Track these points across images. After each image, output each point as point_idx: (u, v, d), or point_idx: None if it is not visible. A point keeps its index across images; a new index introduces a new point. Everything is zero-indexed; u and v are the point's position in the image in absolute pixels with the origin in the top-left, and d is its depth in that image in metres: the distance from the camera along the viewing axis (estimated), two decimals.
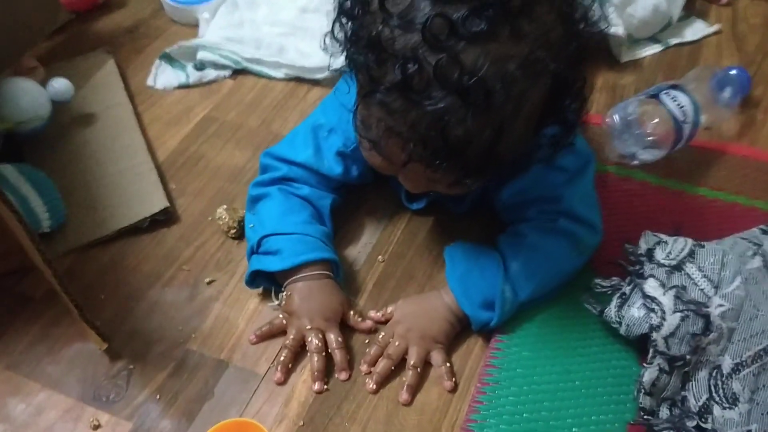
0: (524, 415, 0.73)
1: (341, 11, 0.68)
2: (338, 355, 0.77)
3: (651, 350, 0.71)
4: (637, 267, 0.76)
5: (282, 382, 0.77)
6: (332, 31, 0.69)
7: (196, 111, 1.09)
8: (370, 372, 0.77)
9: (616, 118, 0.92)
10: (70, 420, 0.75)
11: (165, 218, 0.92)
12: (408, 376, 0.76)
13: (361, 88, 0.68)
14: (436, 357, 0.77)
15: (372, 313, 0.82)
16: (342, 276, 0.84)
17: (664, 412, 0.72)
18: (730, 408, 0.69)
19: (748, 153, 1.00)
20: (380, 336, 0.79)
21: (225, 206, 0.91)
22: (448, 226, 0.91)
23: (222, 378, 0.78)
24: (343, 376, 0.77)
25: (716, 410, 0.69)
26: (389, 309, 0.81)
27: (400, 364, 0.77)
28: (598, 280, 0.78)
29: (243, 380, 0.78)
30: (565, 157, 0.78)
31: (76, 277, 0.86)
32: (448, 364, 0.77)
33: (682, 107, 0.91)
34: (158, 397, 0.76)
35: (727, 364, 0.70)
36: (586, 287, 0.81)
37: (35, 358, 0.80)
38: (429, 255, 0.88)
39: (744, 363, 0.69)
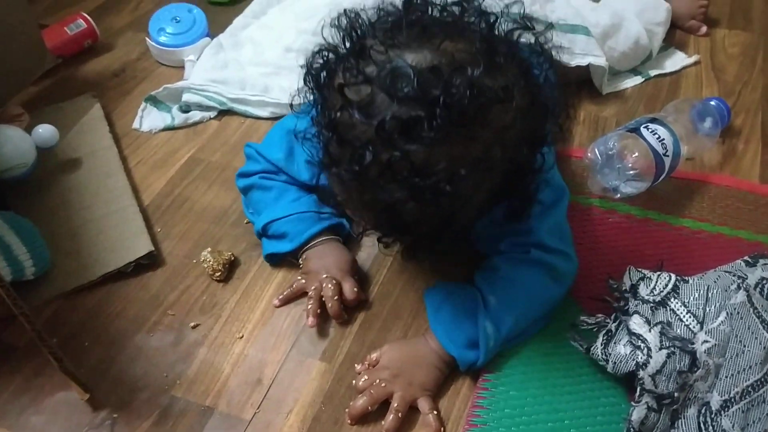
0: None
1: (309, 73, 0.70)
2: (353, 296, 0.84)
3: (638, 388, 0.71)
4: (622, 303, 0.76)
5: (314, 325, 0.83)
6: (303, 86, 0.73)
7: (182, 153, 1.09)
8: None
9: (597, 152, 0.92)
10: None
11: (150, 262, 0.92)
12: (388, 420, 0.75)
13: (322, 156, 0.70)
14: (423, 404, 0.77)
15: (358, 366, 0.81)
16: (349, 228, 0.91)
17: None
18: None
19: (731, 183, 1.01)
20: (362, 380, 0.78)
21: (209, 249, 0.91)
22: (413, 278, 0.91)
23: (207, 425, 0.77)
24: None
25: None
26: (374, 355, 0.81)
27: (383, 408, 0.76)
28: (583, 318, 0.78)
29: (229, 426, 0.77)
30: (542, 191, 0.80)
31: (60, 323, 0.86)
32: (435, 412, 0.76)
33: (662, 140, 0.91)
34: None
35: (715, 400, 0.69)
36: (572, 323, 0.81)
37: (19, 409, 0.79)
38: (415, 293, 0.88)
39: (732, 399, 0.69)
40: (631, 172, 0.90)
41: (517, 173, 0.70)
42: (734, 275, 0.77)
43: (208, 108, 1.15)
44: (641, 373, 0.70)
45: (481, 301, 0.79)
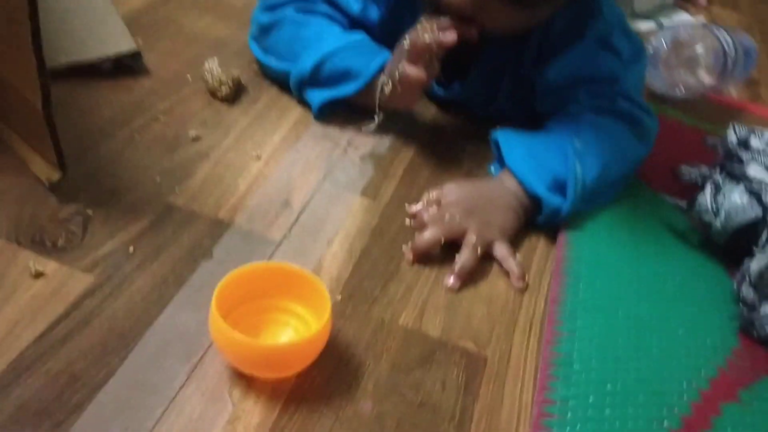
0: (618, 311, 0.58)
1: None
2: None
3: (764, 233, 0.60)
4: (732, 157, 0.66)
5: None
6: None
7: None
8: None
9: (663, 40, 0.84)
10: None
11: (133, 65, 0.71)
12: (464, 257, 0.59)
13: None
14: (502, 248, 0.61)
15: (412, 207, 0.64)
16: None
17: (764, 309, 0.60)
18: None
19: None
20: (426, 214, 0.62)
21: (215, 58, 0.72)
22: (474, 127, 0.77)
23: (222, 239, 0.57)
24: None
25: None
26: (434, 193, 0.64)
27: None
28: (684, 167, 0.67)
29: (251, 245, 0.57)
30: (619, 38, 0.72)
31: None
32: (517, 257, 0.61)
33: (727, 41, 0.85)
34: (131, 250, 0.53)
35: None
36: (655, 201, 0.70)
37: None
38: (462, 152, 0.74)
39: None
40: (703, 60, 0.82)
41: None
42: None
43: None
44: None
45: (567, 141, 0.66)
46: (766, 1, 1.46)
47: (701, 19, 1.24)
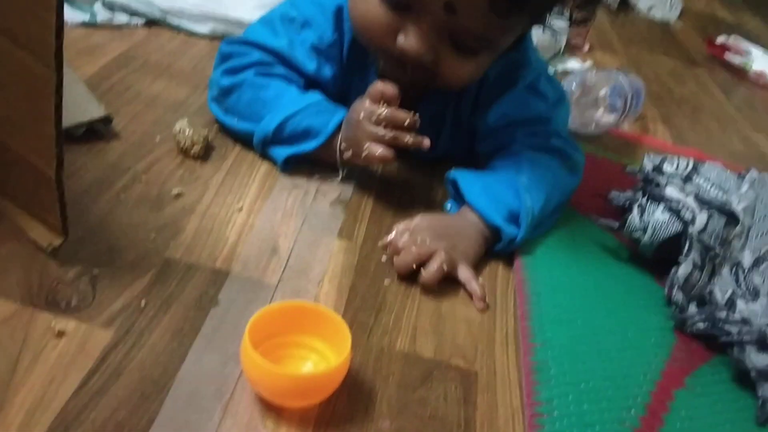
0: (578, 321, 0.67)
1: None
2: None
3: (687, 244, 0.71)
4: (651, 182, 0.77)
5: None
6: None
7: (109, 48, 0.92)
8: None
9: (574, 84, 0.96)
10: (19, 327, 0.52)
11: (103, 129, 0.74)
12: (431, 270, 0.66)
13: None
14: (465, 272, 0.69)
15: (388, 237, 0.70)
16: None
17: (692, 309, 0.71)
18: (752, 301, 0.70)
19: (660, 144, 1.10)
20: (401, 240, 0.68)
21: (186, 119, 0.76)
22: (422, 168, 0.85)
23: (225, 286, 0.61)
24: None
25: (740, 303, 0.70)
26: (403, 225, 0.70)
27: None
28: (614, 193, 0.78)
29: (252, 290, 0.61)
30: (545, 84, 0.83)
31: None
32: (479, 279, 0.69)
33: (626, 83, 0.98)
34: (143, 303, 0.57)
35: (747, 259, 0.72)
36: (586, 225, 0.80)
37: None
38: (417, 192, 0.81)
39: (762, 257, 0.72)
40: (608, 102, 0.94)
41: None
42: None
43: (134, 14, 1.00)
44: (690, 228, 0.71)
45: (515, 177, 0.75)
46: (636, 44, 1.66)
47: (588, 63, 1.39)
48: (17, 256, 0.58)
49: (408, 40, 0.71)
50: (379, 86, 0.71)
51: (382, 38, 0.73)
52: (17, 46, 0.50)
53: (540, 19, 0.77)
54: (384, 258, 0.70)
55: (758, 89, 1.60)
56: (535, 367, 0.60)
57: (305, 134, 0.76)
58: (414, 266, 0.67)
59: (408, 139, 0.71)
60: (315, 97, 0.78)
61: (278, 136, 0.76)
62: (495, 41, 0.73)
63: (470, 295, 0.68)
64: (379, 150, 0.70)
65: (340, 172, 0.78)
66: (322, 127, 0.75)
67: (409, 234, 0.69)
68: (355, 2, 0.75)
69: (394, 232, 0.70)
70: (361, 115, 0.72)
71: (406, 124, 0.71)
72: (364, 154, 0.71)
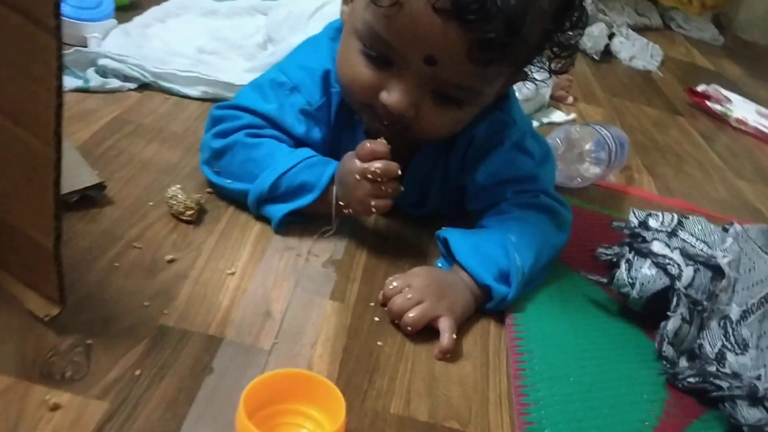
0: (570, 378, 0.68)
1: None
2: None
3: (675, 299, 0.72)
4: (637, 237, 0.78)
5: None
6: None
7: (102, 113, 0.94)
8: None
9: (559, 140, 0.98)
10: (14, 401, 0.52)
11: (96, 196, 0.75)
12: (411, 313, 0.69)
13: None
14: (445, 323, 0.69)
15: (381, 293, 0.72)
16: None
17: (683, 363, 0.72)
18: (742, 353, 0.71)
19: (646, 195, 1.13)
20: (392, 285, 0.71)
21: (179, 185, 0.77)
22: (411, 227, 0.87)
23: (219, 352, 0.61)
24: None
25: (730, 357, 0.71)
26: (399, 280, 0.72)
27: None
28: (600, 249, 0.79)
29: (246, 355, 0.62)
30: (531, 142, 0.85)
31: None
32: (454, 336, 0.69)
33: (607, 135, 1.00)
34: (137, 373, 0.57)
35: (735, 312, 0.73)
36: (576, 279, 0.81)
37: None
38: (412, 248, 0.82)
39: (750, 310, 0.73)
40: (593, 155, 0.96)
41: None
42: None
43: (126, 78, 1.02)
44: (677, 284, 0.72)
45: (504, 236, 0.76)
46: (618, 95, 1.70)
47: (572, 115, 1.42)
48: (12, 326, 0.58)
49: (391, 96, 0.73)
50: (369, 146, 0.73)
51: (367, 96, 0.75)
52: (16, 124, 0.51)
53: (520, 71, 0.79)
54: (376, 318, 0.70)
55: (740, 136, 1.64)
56: (529, 428, 0.61)
57: (300, 189, 0.78)
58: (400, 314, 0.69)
59: (401, 188, 0.75)
60: (306, 152, 0.80)
61: (274, 194, 0.78)
62: (476, 91, 0.75)
63: (471, 356, 0.69)
64: (382, 203, 0.74)
65: (334, 225, 0.79)
66: (317, 180, 0.77)
67: (401, 281, 0.71)
68: (342, 64, 0.78)
69: (390, 287, 0.71)
70: (356, 176, 0.73)
71: (399, 172, 0.73)
72: (374, 211, 0.75)
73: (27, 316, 0.59)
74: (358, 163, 0.74)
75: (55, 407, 0.52)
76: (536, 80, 0.83)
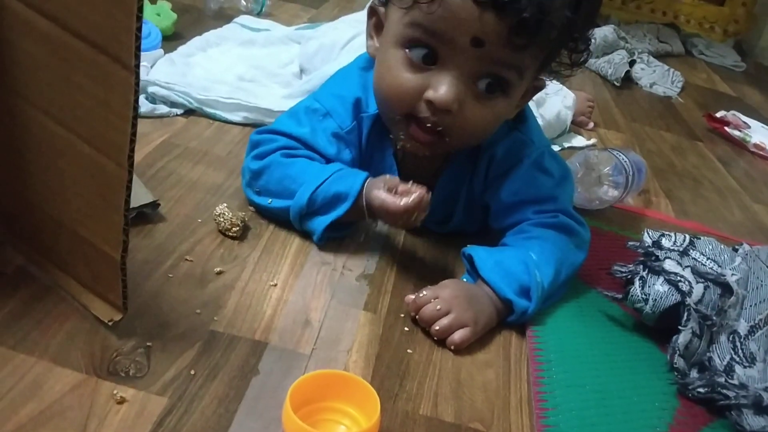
0: (586, 386, 0.73)
1: None
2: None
3: (685, 314, 0.77)
4: (650, 256, 0.83)
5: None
6: None
7: (153, 137, 1.01)
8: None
9: (578, 164, 1.03)
10: (86, 394, 0.59)
11: (152, 213, 0.82)
12: (441, 322, 0.75)
13: None
14: (465, 333, 0.75)
15: (411, 296, 0.78)
16: None
17: (693, 374, 0.76)
18: (749, 366, 0.76)
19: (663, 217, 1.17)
20: (422, 293, 0.77)
21: (225, 204, 0.84)
22: (438, 243, 0.93)
23: (264, 356, 0.67)
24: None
25: (738, 369, 0.75)
26: (430, 291, 0.78)
27: None
28: (616, 267, 0.84)
29: (288, 359, 0.68)
30: (550, 161, 0.91)
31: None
32: (468, 336, 0.75)
33: (624, 159, 1.06)
34: (192, 372, 0.63)
35: (743, 327, 0.78)
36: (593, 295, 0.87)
37: (20, 331, 0.63)
38: (435, 266, 0.88)
39: (757, 325, 0.78)
40: (611, 178, 1.01)
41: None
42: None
43: (173, 104, 1.10)
44: (688, 300, 0.77)
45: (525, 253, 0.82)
46: (638, 121, 1.74)
47: (593, 140, 1.47)
48: (81, 330, 0.65)
49: (438, 91, 0.77)
50: (402, 188, 0.80)
51: (411, 101, 0.79)
52: (94, 149, 0.58)
53: (547, 64, 0.82)
54: (406, 328, 0.76)
55: (757, 161, 1.68)
56: (548, 431, 0.66)
57: (335, 200, 0.83)
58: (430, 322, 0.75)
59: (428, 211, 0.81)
60: (336, 166, 0.86)
61: (312, 207, 0.84)
62: (520, 71, 0.78)
63: (493, 365, 0.74)
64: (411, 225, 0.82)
65: (372, 223, 0.89)
66: (349, 189, 0.83)
67: (431, 292, 0.77)
68: (383, 77, 0.82)
69: (420, 297, 0.77)
70: (394, 215, 0.80)
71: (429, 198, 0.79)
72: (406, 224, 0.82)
73: (93, 320, 0.66)
74: (390, 200, 0.79)
75: (122, 401, 0.59)
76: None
